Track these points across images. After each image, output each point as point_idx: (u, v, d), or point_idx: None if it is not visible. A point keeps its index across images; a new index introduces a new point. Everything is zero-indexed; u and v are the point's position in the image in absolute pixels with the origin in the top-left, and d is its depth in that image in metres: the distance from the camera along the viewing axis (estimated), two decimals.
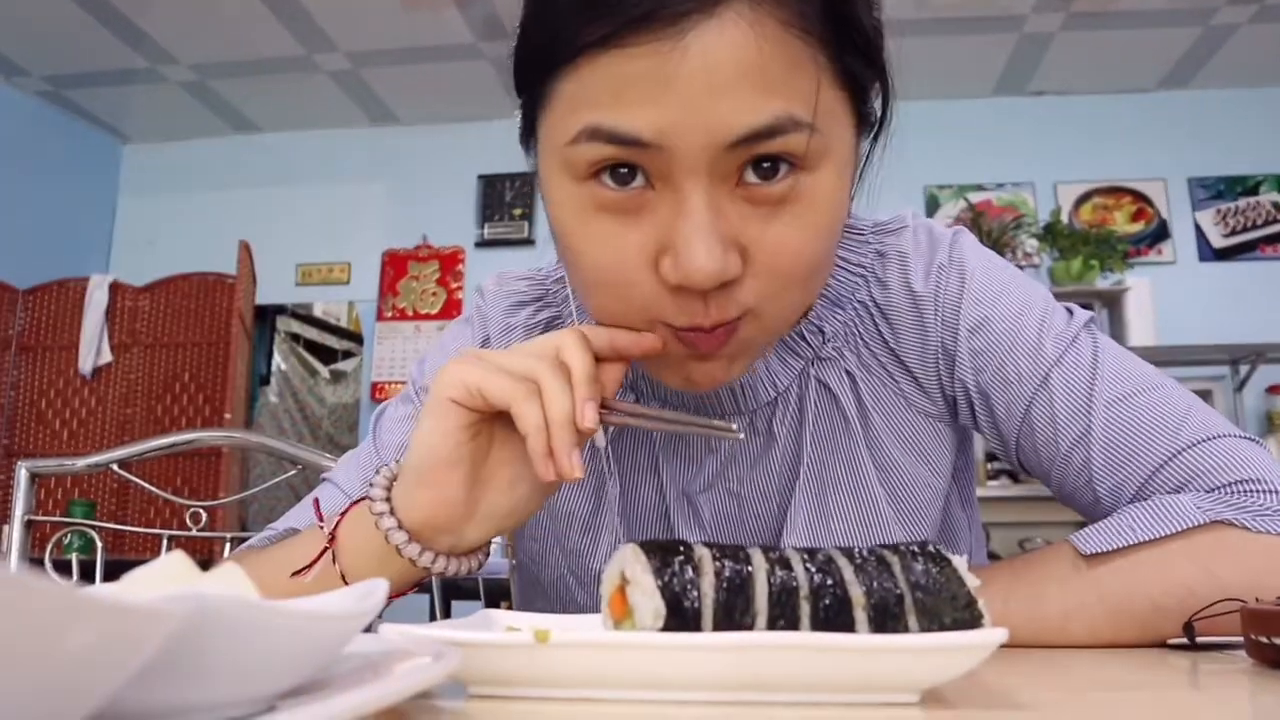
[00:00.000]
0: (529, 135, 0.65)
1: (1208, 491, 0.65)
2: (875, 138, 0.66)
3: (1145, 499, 0.68)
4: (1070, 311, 0.76)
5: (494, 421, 0.61)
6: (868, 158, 0.67)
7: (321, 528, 0.66)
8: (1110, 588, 0.63)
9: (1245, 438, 0.69)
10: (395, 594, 0.63)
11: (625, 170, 0.57)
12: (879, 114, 0.65)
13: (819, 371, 0.76)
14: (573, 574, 0.82)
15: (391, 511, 0.61)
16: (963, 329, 0.74)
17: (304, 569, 0.64)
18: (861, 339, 0.77)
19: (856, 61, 0.59)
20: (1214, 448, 0.67)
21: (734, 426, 0.63)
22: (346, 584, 0.61)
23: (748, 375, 0.75)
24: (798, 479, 0.76)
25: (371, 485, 0.62)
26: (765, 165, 0.56)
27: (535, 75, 0.60)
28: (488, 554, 0.65)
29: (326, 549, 0.64)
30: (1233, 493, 0.64)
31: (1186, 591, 0.61)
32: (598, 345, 0.61)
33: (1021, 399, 0.73)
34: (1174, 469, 0.67)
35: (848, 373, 0.76)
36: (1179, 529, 0.63)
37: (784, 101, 0.54)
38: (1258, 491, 0.64)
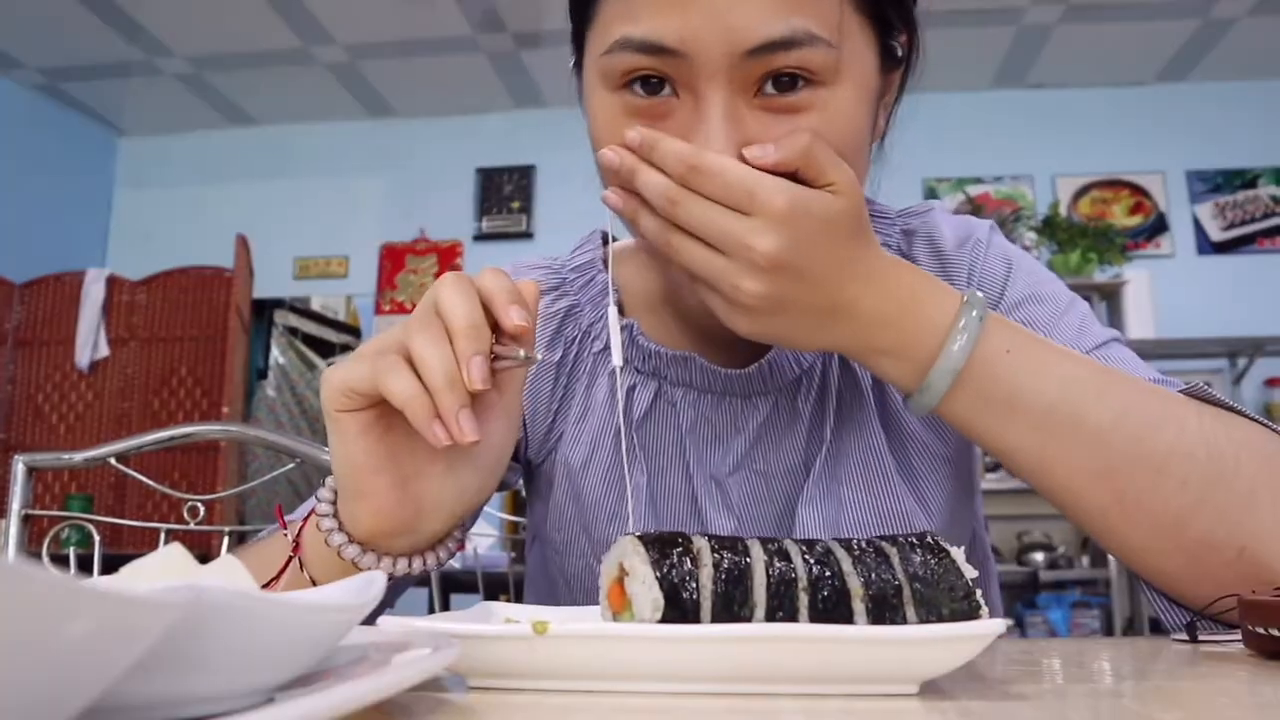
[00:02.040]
0: (579, 61, 0.70)
1: None
2: (906, 73, 0.71)
3: None
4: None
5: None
6: (899, 94, 0.72)
7: (285, 534, 0.64)
8: (1117, 372, 0.63)
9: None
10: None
11: (655, 80, 0.61)
12: (905, 51, 0.70)
13: None
14: (599, 562, 0.80)
15: (340, 527, 0.59)
16: (1007, 299, 0.76)
17: (273, 580, 0.62)
18: None
19: None
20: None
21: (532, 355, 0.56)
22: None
23: (774, 354, 0.76)
24: (820, 453, 0.77)
25: (318, 499, 0.60)
26: (784, 79, 0.60)
27: None
28: (460, 540, 0.63)
29: (292, 558, 0.62)
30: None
31: (1178, 419, 0.60)
32: (488, 291, 0.54)
33: None
34: None
35: None
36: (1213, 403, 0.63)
37: (803, 18, 0.58)
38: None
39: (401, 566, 0.59)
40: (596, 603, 0.80)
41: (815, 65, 0.59)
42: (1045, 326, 0.74)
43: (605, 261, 0.81)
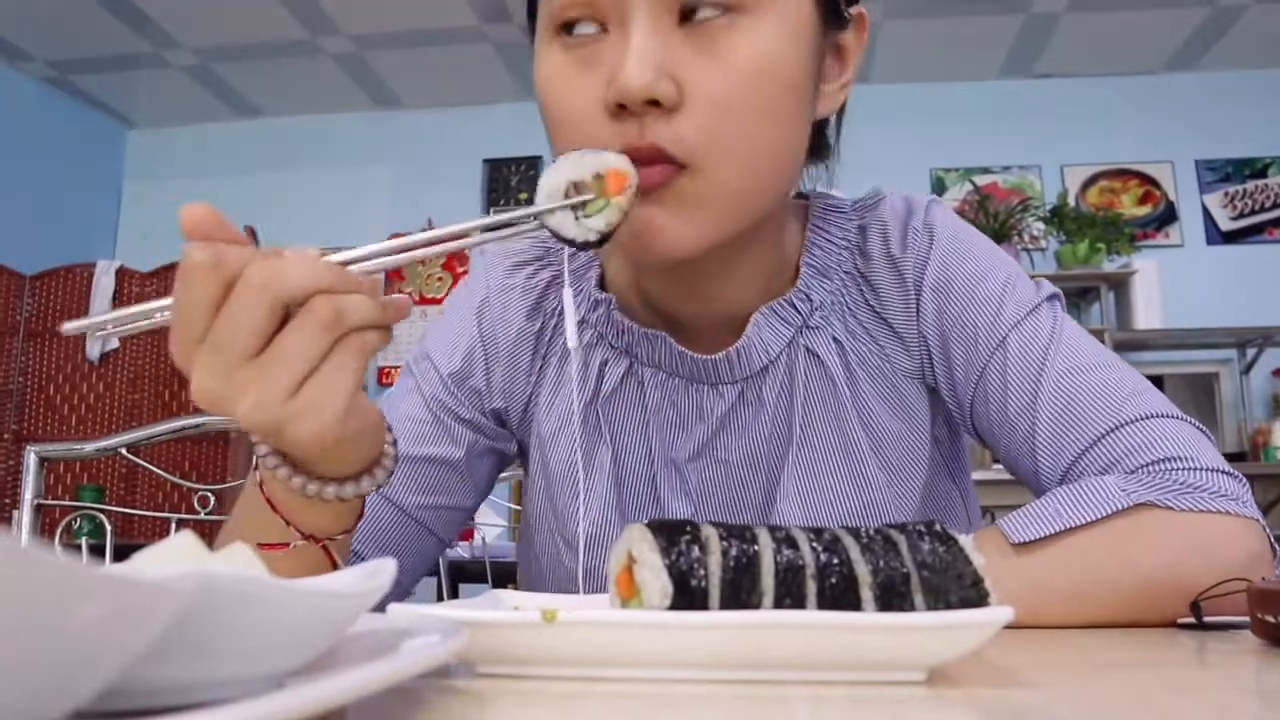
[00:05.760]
0: (532, 29, 0.72)
1: (1132, 472, 0.67)
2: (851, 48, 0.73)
3: (1077, 478, 0.70)
4: (1038, 285, 0.78)
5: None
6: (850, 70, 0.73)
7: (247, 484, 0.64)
8: (1034, 574, 0.64)
9: (1184, 419, 0.71)
10: (336, 533, 0.60)
11: (586, 20, 0.64)
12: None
13: (808, 340, 0.79)
14: (561, 536, 0.82)
15: (284, 460, 0.58)
16: (927, 287, 0.78)
17: (276, 545, 0.61)
18: (848, 307, 0.80)
19: None
20: (1149, 425, 0.69)
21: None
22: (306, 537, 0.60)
23: (742, 343, 0.76)
24: (790, 446, 0.78)
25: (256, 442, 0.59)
26: (707, 8, 0.62)
27: None
28: (388, 467, 0.60)
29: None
30: (1156, 472, 0.66)
31: (1106, 576, 0.64)
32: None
33: (978, 360, 0.75)
34: (1108, 444, 0.69)
35: (835, 340, 0.79)
36: (1103, 514, 0.64)
37: None
38: (1180, 469, 0.66)
39: (350, 490, 0.58)
40: (559, 580, 0.82)
41: None
42: (961, 314, 0.76)
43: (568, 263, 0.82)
